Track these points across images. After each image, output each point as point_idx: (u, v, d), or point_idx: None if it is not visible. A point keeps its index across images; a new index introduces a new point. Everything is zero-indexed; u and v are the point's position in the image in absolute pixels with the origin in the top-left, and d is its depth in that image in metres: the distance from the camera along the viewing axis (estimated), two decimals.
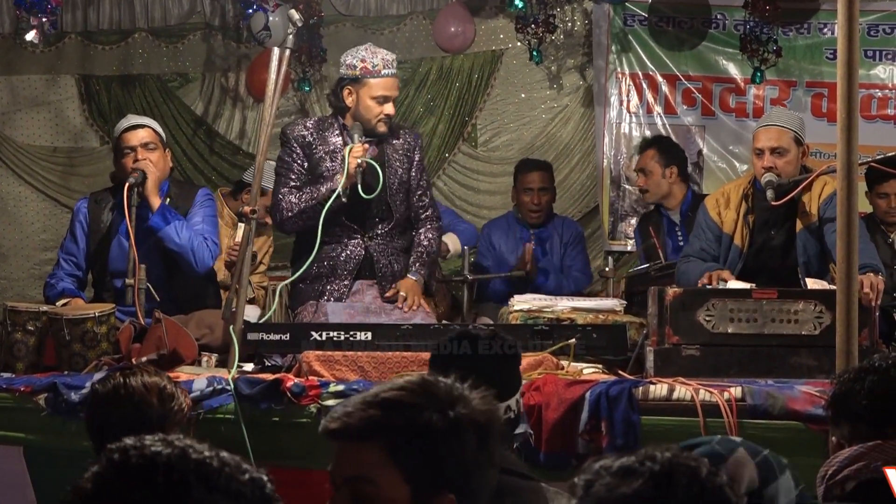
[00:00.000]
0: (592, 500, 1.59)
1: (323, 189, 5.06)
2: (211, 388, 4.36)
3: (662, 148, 6.63)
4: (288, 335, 4.64)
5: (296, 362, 4.58)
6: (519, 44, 7.70)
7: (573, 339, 4.46)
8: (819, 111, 7.39)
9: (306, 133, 5.20)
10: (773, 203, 5.08)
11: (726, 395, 4.07)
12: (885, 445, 2.67)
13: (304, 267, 5.02)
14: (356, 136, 5.08)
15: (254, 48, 7.74)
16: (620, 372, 4.49)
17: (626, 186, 7.62)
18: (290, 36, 5.06)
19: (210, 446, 1.46)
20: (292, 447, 4.26)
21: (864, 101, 7.14)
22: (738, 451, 2.08)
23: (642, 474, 1.57)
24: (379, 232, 5.20)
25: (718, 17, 7.50)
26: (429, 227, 5.32)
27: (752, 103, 7.50)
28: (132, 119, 5.45)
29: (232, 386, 4.35)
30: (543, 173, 6.90)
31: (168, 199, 5.27)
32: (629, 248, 7.50)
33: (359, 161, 4.98)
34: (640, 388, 4.17)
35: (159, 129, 5.38)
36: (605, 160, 7.64)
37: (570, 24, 7.79)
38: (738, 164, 7.48)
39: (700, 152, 7.55)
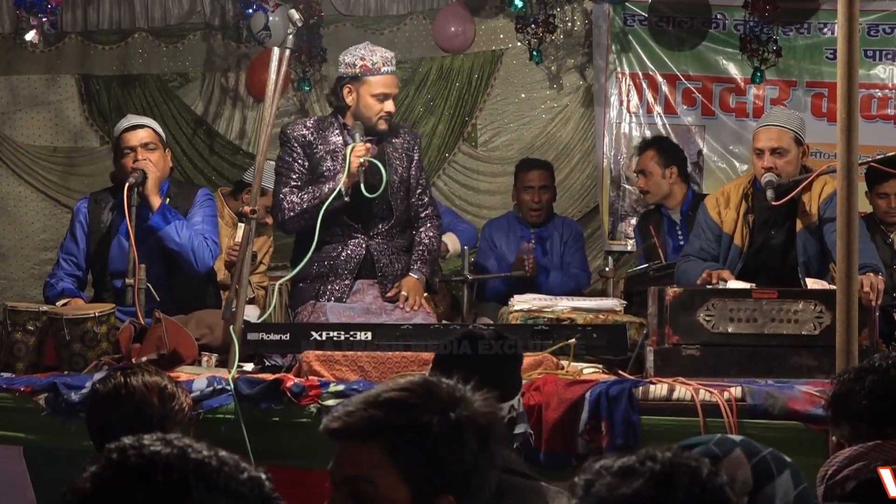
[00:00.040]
0: (593, 499, 1.58)
1: (325, 188, 5.04)
2: (211, 388, 4.36)
3: (661, 149, 6.62)
4: (288, 335, 4.64)
5: (296, 362, 4.57)
6: (519, 44, 7.69)
7: (573, 339, 4.46)
8: (819, 111, 7.38)
9: (306, 132, 5.19)
10: (774, 203, 5.08)
11: (726, 395, 4.07)
12: (885, 445, 2.68)
13: (302, 264, 5.01)
14: (357, 136, 5.07)
15: (254, 48, 7.73)
16: (620, 372, 4.48)
17: (626, 186, 7.62)
18: (290, 36, 5.06)
19: (209, 446, 1.46)
20: (292, 447, 4.26)
21: (864, 101, 7.14)
22: (735, 452, 2.06)
23: (643, 474, 1.57)
24: (379, 231, 5.19)
25: (718, 16, 7.49)
26: (429, 225, 5.32)
27: (752, 103, 7.49)
28: (132, 119, 5.45)
29: (232, 386, 4.35)
30: (544, 172, 6.90)
31: (168, 199, 5.27)
32: (629, 248, 7.49)
33: (361, 160, 4.98)
34: (640, 388, 4.17)
35: (159, 129, 5.38)
36: (605, 160, 7.64)
37: (569, 24, 7.79)
38: (738, 164, 7.48)
39: (700, 152, 7.55)
